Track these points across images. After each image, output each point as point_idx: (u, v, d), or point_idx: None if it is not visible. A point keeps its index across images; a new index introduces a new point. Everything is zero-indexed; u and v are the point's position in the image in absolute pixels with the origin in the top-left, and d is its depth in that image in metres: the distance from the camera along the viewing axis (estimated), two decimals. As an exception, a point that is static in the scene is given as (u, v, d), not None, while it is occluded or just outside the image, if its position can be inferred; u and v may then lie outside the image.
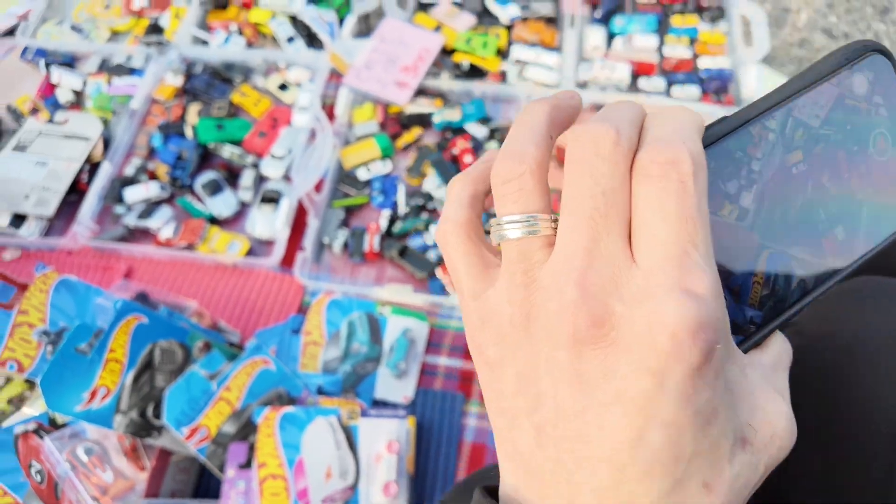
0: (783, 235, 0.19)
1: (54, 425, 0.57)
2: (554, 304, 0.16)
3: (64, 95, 0.83)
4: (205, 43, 0.87)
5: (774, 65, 0.91)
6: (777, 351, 0.19)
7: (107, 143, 0.80)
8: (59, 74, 0.83)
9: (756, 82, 0.79)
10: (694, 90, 0.80)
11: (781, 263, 0.19)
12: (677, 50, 0.84)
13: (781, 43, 0.93)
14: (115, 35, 0.91)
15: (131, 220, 0.73)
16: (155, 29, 0.89)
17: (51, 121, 0.80)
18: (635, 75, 0.82)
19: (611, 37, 0.86)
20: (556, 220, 0.17)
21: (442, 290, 0.68)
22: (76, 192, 0.77)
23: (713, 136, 0.19)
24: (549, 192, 0.18)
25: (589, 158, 0.16)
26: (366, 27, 0.88)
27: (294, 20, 0.88)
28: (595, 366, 0.15)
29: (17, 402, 0.61)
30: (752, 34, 0.82)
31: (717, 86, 0.80)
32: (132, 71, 0.85)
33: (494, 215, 0.18)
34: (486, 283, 0.18)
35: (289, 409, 0.56)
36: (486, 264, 0.19)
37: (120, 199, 0.75)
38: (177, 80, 0.82)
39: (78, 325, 0.56)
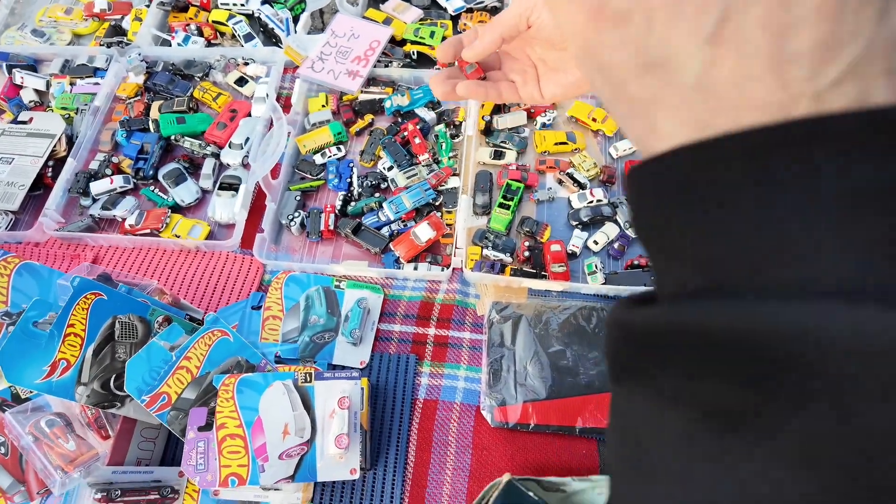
0: None
1: (17, 400, 0.59)
2: None
3: (28, 96, 0.86)
4: (166, 43, 0.91)
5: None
6: None
7: (71, 139, 0.82)
8: (21, 77, 0.86)
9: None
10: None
11: None
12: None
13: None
14: (77, 38, 0.94)
15: (96, 211, 0.76)
16: (117, 31, 0.92)
17: (15, 121, 0.83)
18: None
19: (552, 25, 0.91)
20: None
21: (395, 264, 0.72)
22: (41, 187, 0.79)
23: None
24: None
25: None
26: (321, 23, 0.92)
27: (251, 18, 0.92)
28: None
29: (-18, 382, 0.62)
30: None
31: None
32: (95, 71, 0.88)
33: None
34: None
35: (247, 374, 0.59)
36: None
37: (86, 193, 0.77)
38: (139, 78, 0.86)
39: (34, 301, 0.58)
